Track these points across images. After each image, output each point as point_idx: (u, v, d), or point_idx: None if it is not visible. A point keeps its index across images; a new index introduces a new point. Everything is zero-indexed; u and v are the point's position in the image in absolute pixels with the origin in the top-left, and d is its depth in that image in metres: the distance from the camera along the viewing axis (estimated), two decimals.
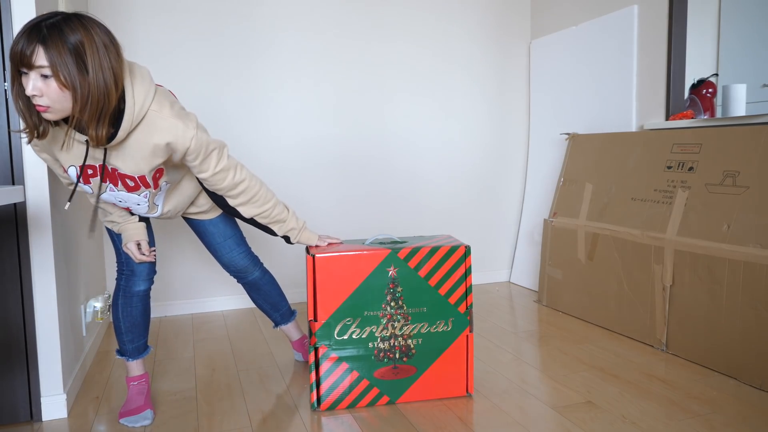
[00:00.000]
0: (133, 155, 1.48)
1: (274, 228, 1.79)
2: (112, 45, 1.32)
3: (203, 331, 2.59)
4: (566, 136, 3.07)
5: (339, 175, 3.08)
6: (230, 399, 1.87)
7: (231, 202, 1.70)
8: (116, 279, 1.75)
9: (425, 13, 3.15)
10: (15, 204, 1.65)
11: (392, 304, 1.74)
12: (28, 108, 1.34)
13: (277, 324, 2.12)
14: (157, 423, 1.71)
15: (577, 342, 2.35)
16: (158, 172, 1.57)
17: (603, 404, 1.77)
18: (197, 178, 1.68)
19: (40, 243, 1.70)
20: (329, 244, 1.83)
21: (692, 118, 2.36)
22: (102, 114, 1.33)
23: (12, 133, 1.64)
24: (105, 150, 1.46)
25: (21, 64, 1.25)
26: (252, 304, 2.99)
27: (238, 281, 2.02)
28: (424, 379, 1.79)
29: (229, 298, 2.95)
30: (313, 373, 1.74)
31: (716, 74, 2.38)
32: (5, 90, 1.63)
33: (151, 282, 1.76)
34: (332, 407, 1.76)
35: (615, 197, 2.51)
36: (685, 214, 2.16)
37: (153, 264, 1.74)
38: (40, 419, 1.73)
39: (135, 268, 1.71)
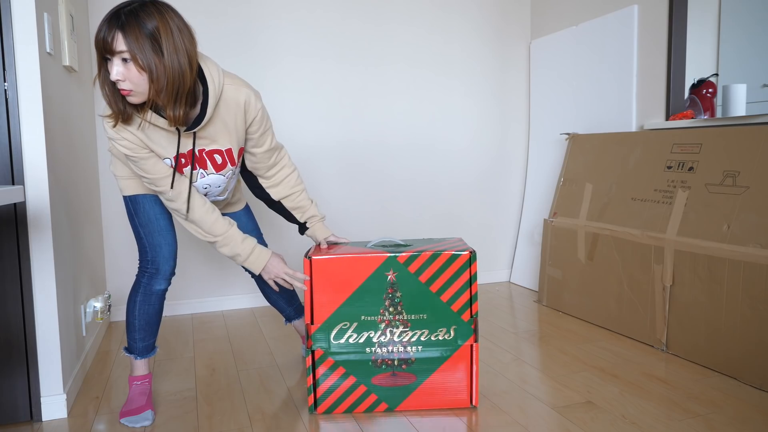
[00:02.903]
0: (220, 131, 1.60)
1: (296, 214, 1.88)
2: (186, 29, 1.41)
3: (203, 331, 2.59)
4: (566, 136, 3.07)
5: (338, 176, 3.08)
6: (230, 399, 1.87)
7: (265, 183, 1.83)
8: (137, 276, 1.75)
9: (425, 14, 3.15)
10: (15, 204, 1.65)
11: (391, 309, 1.70)
12: (114, 93, 1.43)
13: (289, 319, 2.14)
14: (157, 423, 1.71)
15: (577, 342, 2.35)
16: (241, 149, 1.70)
17: (603, 404, 1.77)
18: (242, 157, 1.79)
19: (40, 243, 1.70)
20: (330, 246, 1.83)
21: (692, 118, 2.36)
22: (178, 95, 1.41)
23: (12, 133, 1.64)
24: (194, 135, 1.57)
25: (104, 50, 1.35)
26: (252, 305, 2.99)
27: (253, 275, 2.05)
28: (424, 388, 1.74)
29: (229, 298, 2.95)
30: (310, 377, 1.72)
31: (716, 74, 2.38)
32: (5, 90, 1.63)
33: (170, 282, 1.77)
34: (329, 411, 1.74)
35: (615, 197, 2.51)
36: (685, 214, 2.16)
37: (175, 264, 1.77)
38: (40, 419, 1.73)
39: (161, 267, 1.72)
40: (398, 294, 1.70)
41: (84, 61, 2.46)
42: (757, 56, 2.23)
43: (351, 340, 1.71)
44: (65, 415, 1.76)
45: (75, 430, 1.68)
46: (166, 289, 1.76)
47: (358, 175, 3.11)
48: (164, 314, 2.86)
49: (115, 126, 1.49)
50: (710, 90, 2.39)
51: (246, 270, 2.05)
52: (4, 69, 1.62)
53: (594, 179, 2.66)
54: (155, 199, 1.73)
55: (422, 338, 1.71)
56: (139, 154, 1.55)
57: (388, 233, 3.19)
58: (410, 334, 1.71)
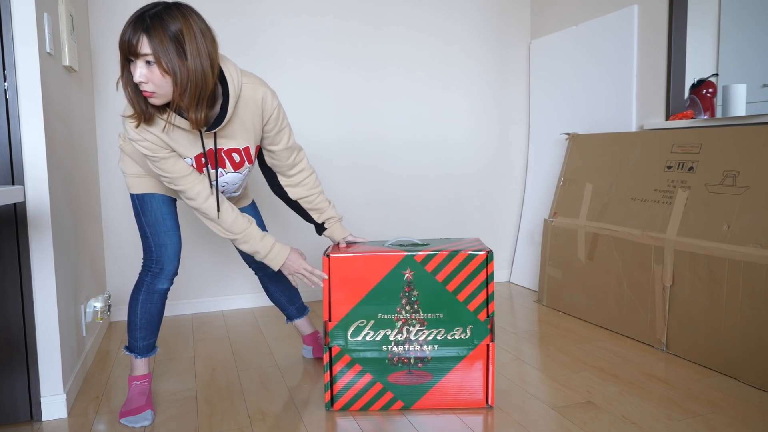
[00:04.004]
0: (239, 130, 1.62)
1: (314, 215, 1.90)
2: (208, 32, 1.43)
3: (203, 331, 2.59)
4: (566, 136, 3.07)
5: (337, 175, 3.08)
6: (230, 399, 1.87)
7: (283, 181, 1.85)
8: (140, 275, 1.76)
9: (425, 14, 3.15)
10: (15, 204, 1.65)
11: (407, 308, 1.71)
12: (136, 94, 1.45)
13: (291, 318, 2.16)
14: (157, 423, 1.71)
15: (577, 342, 2.35)
16: (257, 147, 1.72)
17: (603, 404, 1.77)
18: (260, 155, 1.82)
19: (40, 243, 1.70)
20: (349, 245, 1.85)
21: (692, 118, 2.36)
22: (200, 97, 1.43)
23: (12, 133, 1.64)
24: (215, 134, 1.59)
25: (128, 52, 1.37)
26: (252, 305, 2.99)
27: (257, 273, 2.08)
28: (440, 387, 1.74)
29: (229, 298, 2.95)
30: (328, 373, 1.73)
31: (716, 74, 2.38)
32: (5, 90, 1.63)
33: (173, 282, 1.79)
34: (345, 408, 1.75)
35: (615, 197, 2.51)
36: (685, 214, 2.16)
37: (179, 264, 1.78)
38: (40, 419, 1.73)
39: (165, 266, 1.73)
40: (415, 293, 1.70)
41: (84, 61, 2.46)
42: (757, 56, 2.23)
43: (368, 338, 1.72)
44: (65, 415, 1.76)
45: (75, 430, 1.68)
46: (168, 289, 1.77)
47: (357, 175, 3.11)
48: (164, 314, 2.86)
49: (137, 126, 1.50)
50: (710, 90, 2.39)
51: (249, 264, 2.07)
52: (4, 69, 1.62)
53: (594, 179, 2.66)
54: (163, 198, 1.74)
55: (438, 337, 1.72)
56: (159, 154, 1.56)
57: (387, 233, 3.19)
58: (427, 332, 1.72)
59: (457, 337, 1.72)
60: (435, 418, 1.71)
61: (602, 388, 1.89)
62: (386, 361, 1.73)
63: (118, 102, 2.70)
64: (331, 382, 1.74)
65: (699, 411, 1.71)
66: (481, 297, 1.71)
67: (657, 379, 1.95)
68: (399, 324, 1.71)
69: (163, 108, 1.50)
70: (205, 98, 1.44)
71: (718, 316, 2.01)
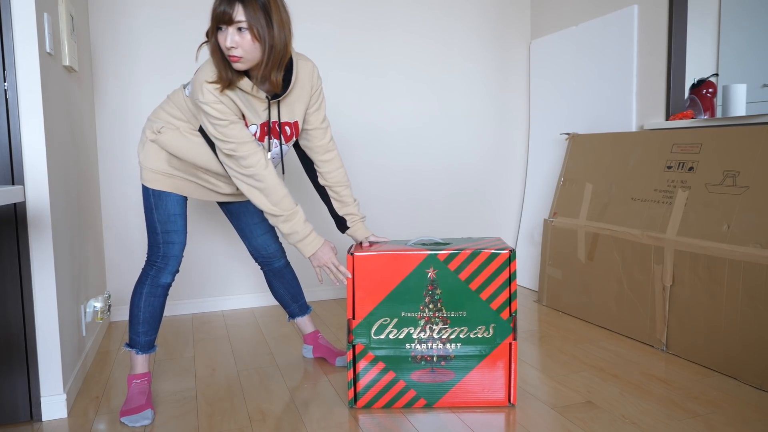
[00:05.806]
0: (294, 102, 1.75)
1: (336, 205, 1.95)
2: (285, 6, 1.59)
3: (203, 331, 2.59)
4: (566, 136, 3.07)
5: None
6: (230, 399, 1.87)
7: (318, 167, 1.92)
8: (144, 269, 1.79)
9: (425, 13, 3.15)
10: (15, 204, 1.65)
11: (430, 306, 1.71)
12: (223, 61, 1.57)
13: (293, 316, 2.17)
14: (157, 423, 1.71)
15: (577, 342, 2.35)
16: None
17: (603, 404, 1.77)
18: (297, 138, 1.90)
19: (40, 243, 1.70)
20: (371, 244, 1.86)
21: (692, 118, 2.36)
22: (281, 63, 1.59)
23: (12, 133, 1.64)
24: (279, 104, 1.72)
25: (222, 21, 1.51)
26: (252, 305, 2.99)
27: (262, 268, 2.10)
28: (462, 385, 1.75)
29: (229, 298, 2.95)
30: (351, 371, 1.74)
31: (716, 74, 2.38)
32: (5, 90, 1.63)
33: (174, 278, 1.82)
34: (368, 405, 1.76)
35: (615, 197, 2.51)
36: (685, 214, 2.16)
37: (181, 260, 1.81)
38: (40, 419, 1.73)
39: (170, 262, 1.78)
40: (438, 291, 1.71)
41: (84, 61, 2.46)
42: (757, 56, 2.23)
43: (391, 336, 1.72)
44: (65, 415, 1.76)
45: (75, 430, 1.68)
46: (170, 284, 1.81)
47: (357, 175, 3.11)
48: (164, 314, 2.86)
49: (222, 91, 1.60)
50: (710, 90, 2.39)
51: (255, 259, 2.07)
52: (4, 69, 1.62)
53: (594, 179, 2.66)
54: (178, 198, 1.78)
55: (461, 335, 1.73)
56: (229, 118, 1.63)
57: (386, 234, 3.19)
58: (449, 331, 1.73)
59: (479, 336, 1.72)
60: (434, 417, 1.71)
61: (602, 388, 1.89)
62: (409, 358, 1.74)
63: (118, 102, 2.70)
64: (354, 380, 1.75)
65: (699, 411, 1.71)
66: (504, 295, 1.71)
67: (657, 379, 1.95)
68: (422, 322, 1.72)
69: (240, 76, 1.61)
70: (283, 65, 1.59)
71: (718, 316, 2.01)
